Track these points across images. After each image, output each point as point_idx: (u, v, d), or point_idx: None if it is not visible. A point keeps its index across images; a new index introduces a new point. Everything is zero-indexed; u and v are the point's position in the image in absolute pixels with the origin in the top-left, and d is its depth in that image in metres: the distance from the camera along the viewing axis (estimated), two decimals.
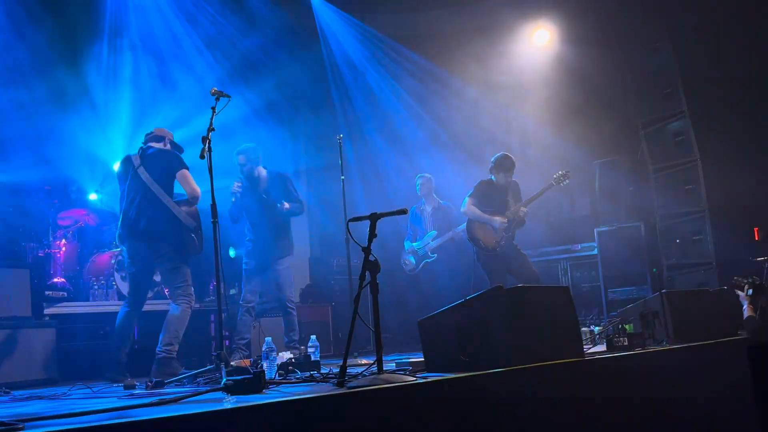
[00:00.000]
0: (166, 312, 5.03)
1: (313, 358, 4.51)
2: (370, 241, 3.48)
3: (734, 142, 7.20)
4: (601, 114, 8.01)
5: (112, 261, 6.40)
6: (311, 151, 9.39)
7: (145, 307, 5.31)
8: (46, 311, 5.74)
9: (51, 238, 6.26)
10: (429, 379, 3.18)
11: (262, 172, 6.04)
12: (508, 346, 3.45)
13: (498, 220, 6.37)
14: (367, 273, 3.36)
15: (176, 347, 4.86)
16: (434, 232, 7.49)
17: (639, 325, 4.75)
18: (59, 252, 6.22)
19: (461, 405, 3.04)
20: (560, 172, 6.43)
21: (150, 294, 5.72)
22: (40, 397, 3.95)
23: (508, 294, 3.68)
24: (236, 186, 5.87)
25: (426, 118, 8.96)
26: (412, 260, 7.69)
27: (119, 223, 5.11)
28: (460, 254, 7.25)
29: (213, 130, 4.35)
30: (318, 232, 9.49)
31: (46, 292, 5.85)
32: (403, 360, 4.44)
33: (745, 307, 5.15)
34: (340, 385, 3.26)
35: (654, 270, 7.64)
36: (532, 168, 7.56)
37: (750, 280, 5.24)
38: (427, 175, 7.68)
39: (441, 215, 7.53)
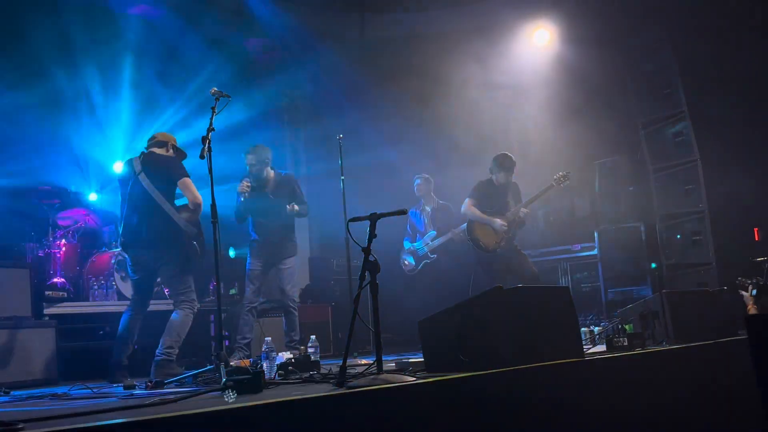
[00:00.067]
0: (166, 312, 5.04)
1: (312, 358, 4.51)
2: (369, 241, 3.48)
3: (734, 142, 7.19)
4: (601, 114, 7.98)
5: (112, 261, 6.41)
6: (311, 151, 9.38)
7: None
8: (46, 311, 5.76)
9: (51, 238, 6.26)
10: (429, 379, 3.18)
11: (271, 173, 6.03)
12: (508, 347, 3.45)
13: (498, 221, 6.36)
14: (367, 273, 3.37)
15: (176, 350, 4.88)
16: (434, 233, 7.48)
17: (639, 325, 4.76)
18: (59, 252, 6.22)
19: (461, 405, 3.04)
20: (561, 173, 6.42)
21: None
22: (40, 397, 3.96)
23: (508, 294, 3.68)
24: (245, 185, 5.81)
25: (426, 118, 8.94)
26: (412, 261, 7.69)
27: (121, 231, 5.11)
28: (460, 254, 7.24)
29: (213, 130, 4.34)
30: (318, 232, 9.49)
31: (46, 292, 5.86)
32: (403, 360, 4.44)
33: (749, 307, 5.16)
34: (340, 385, 3.26)
35: (653, 265, 7.63)
36: (532, 168, 7.54)
37: (754, 281, 5.25)
38: (425, 175, 7.66)
39: (441, 215, 7.51)
